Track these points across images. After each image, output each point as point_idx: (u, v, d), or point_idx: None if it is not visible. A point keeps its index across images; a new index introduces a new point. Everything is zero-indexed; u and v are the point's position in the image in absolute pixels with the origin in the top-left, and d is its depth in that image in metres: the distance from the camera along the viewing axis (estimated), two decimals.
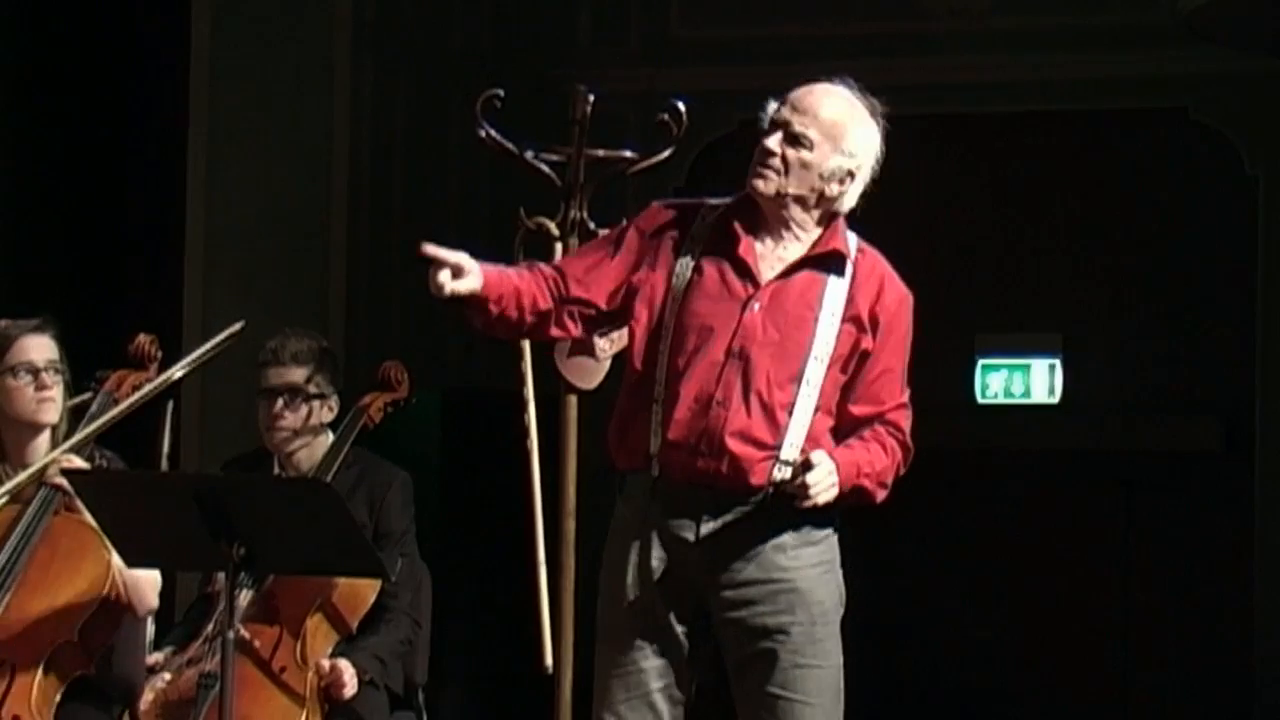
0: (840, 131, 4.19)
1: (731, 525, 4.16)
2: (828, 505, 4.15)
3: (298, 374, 5.33)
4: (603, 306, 4.26)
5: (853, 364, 4.21)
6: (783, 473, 4.12)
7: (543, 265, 4.33)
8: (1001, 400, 9.45)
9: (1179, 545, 9.08)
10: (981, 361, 9.46)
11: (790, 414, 4.15)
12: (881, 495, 4.25)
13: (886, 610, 9.36)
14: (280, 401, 5.31)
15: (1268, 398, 8.96)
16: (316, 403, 5.33)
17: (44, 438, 5.04)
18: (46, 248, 8.69)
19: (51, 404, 5.00)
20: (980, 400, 9.44)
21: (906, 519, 9.17)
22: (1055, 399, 9.42)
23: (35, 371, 4.99)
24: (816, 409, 4.17)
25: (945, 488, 9.22)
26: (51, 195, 8.76)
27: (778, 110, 4.19)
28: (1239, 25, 7.96)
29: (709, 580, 4.18)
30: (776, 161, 4.17)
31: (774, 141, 4.18)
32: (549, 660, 4.97)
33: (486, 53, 8.96)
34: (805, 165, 4.18)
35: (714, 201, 4.30)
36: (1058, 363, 9.41)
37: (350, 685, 5.08)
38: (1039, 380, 9.43)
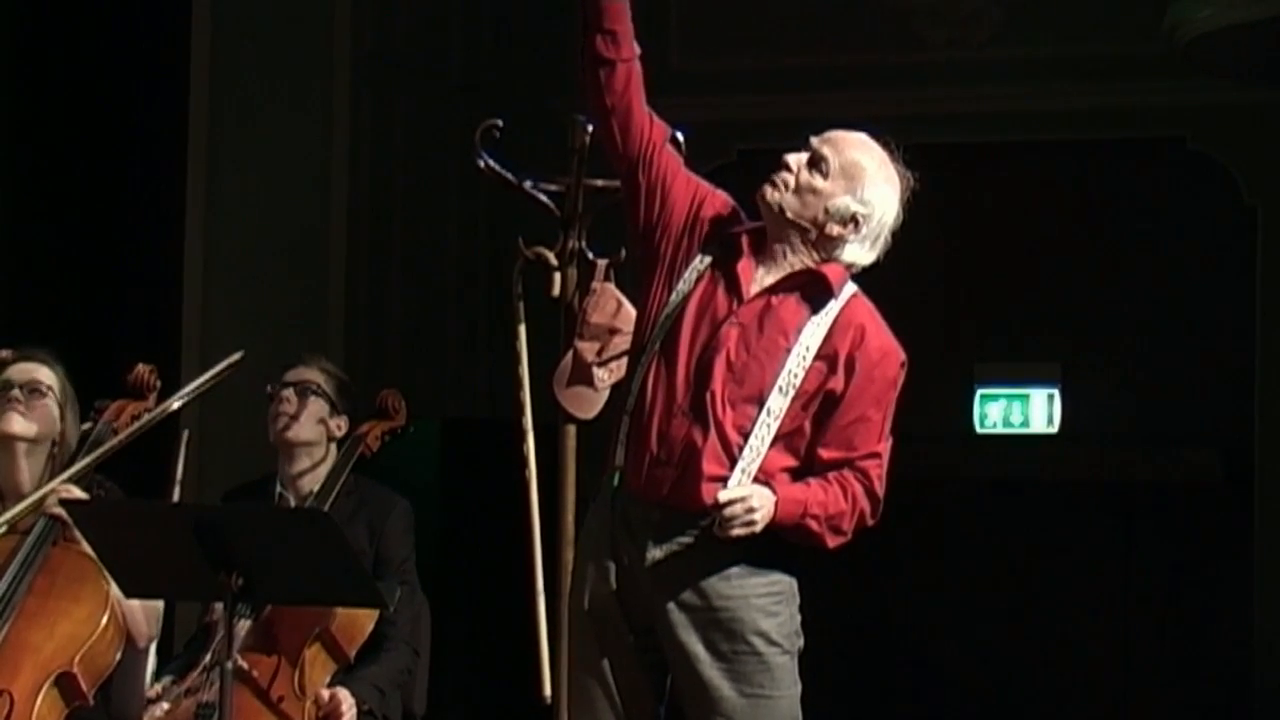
0: (859, 175, 4.20)
1: (679, 547, 4.16)
2: (777, 540, 4.14)
3: (316, 375, 5.40)
4: (637, 147, 4.26)
5: (816, 403, 4.17)
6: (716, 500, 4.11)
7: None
8: (1000, 430, 9.45)
9: (1178, 575, 9.08)
10: (980, 391, 9.46)
11: (746, 439, 4.14)
12: (834, 541, 4.18)
13: (886, 638, 9.37)
14: (291, 390, 5.35)
15: (1267, 427, 8.96)
16: (324, 406, 5.35)
17: (27, 461, 5.05)
18: (44, 276, 8.69)
19: (15, 416, 5.04)
20: (979, 430, 9.44)
21: (905, 548, 9.19)
22: (1054, 429, 9.42)
23: (9, 387, 5.04)
24: (775, 440, 4.15)
25: (944, 517, 9.23)
26: (49, 223, 8.76)
27: (814, 138, 4.22)
28: (1236, 56, 7.98)
29: (655, 603, 4.18)
30: (789, 176, 4.19)
31: (795, 158, 4.21)
32: (548, 690, 4.96)
33: (485, 83, 8.97)
34: (814, 191, 4.18)
35: (748, 225, 4.31)
36: (1056, 392, 9.41)
37: (349, 715, 5.07)
38: (1038, 410, 9.43)
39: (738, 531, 4.06)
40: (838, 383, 4.17)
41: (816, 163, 4.19)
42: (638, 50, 4.26)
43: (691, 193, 4.31)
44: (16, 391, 5.07)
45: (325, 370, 5.44)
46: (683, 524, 4.15)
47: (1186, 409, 9.18)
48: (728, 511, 4.05)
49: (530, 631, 4.95)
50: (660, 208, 4.29)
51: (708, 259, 4.25)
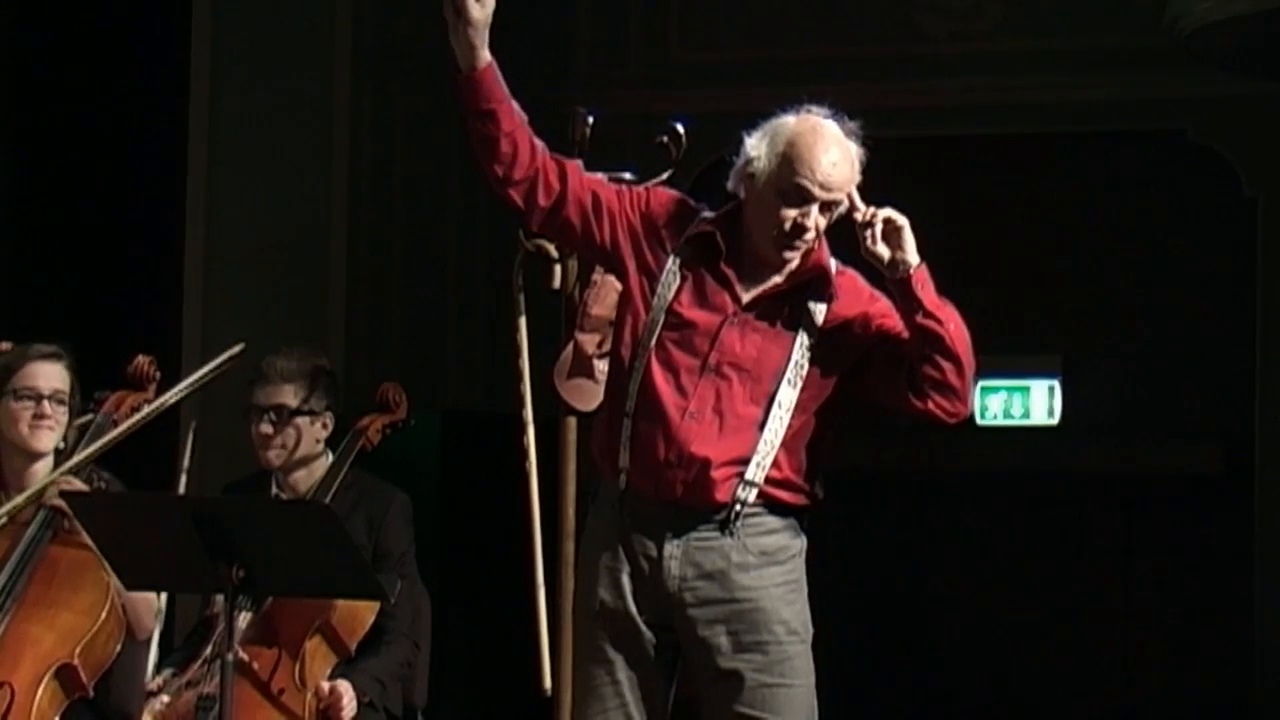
0: (853, 183, 4.23)
1: (695, 544, 4.18)
2: (798, 510, 4.20)
3: (286, 392, 5.32)
4: (568, 209, 4.23)
5: (845, 368, 4.21)
6: (746, 492, 4.13)
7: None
8: (1001, 422, 9.44)
9: (1179, 567, 9.07)
10: (981, 383, 9.45)
11: (760, 434, 4.16)
12: (961, 350, 4.16)
13: (887, 630, 9.37)
14: (267, 420, 5.30)
15: (1267, 419, 8.96)
16: (305, 420, 5.31)
17: (42, 465, 5.04)
18: (46, 270, 8.69)
19: (47, 433, 5.00)
20: (980, 422, 9.44)
21: (906, 540, 9.20)
22: (1055, 421, 9.41)
23: (38, 398, 4.99)
24: (788, 432, 4.18)
25: (944, 509, 9.23)
26: (50, 218, 8.77)
27: (808, 186, 4.16)
28: (1236, 48, 7.98)
29: (674, 599, 4.20)
30: (812, 236, 4.21)
31: (813, 219, 4.19)
32: (548, 682, 4.97)
33: None
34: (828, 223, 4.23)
35: (706, 214, 4.31)
36: (1057, 384, 9.41)
37: (349, 708, 5.07)
38: (1038, 402, 9.43)
39: (883, 243, 4.12)
40: (868, 330, 4.23)
41: (829, 208, 4.21)
42: (522, 116, 4.20)
43: (628, 198, 4.31)
44: (46, 404, 5.01)
45: (290, 378, 5.33)
46: (697, 520, 4.18)
47: (1187, 401, 9.18)
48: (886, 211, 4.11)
49: (531, 624, 4.96)
50: (609, 226, 4.28)
51: (678, 259, 4.26)
